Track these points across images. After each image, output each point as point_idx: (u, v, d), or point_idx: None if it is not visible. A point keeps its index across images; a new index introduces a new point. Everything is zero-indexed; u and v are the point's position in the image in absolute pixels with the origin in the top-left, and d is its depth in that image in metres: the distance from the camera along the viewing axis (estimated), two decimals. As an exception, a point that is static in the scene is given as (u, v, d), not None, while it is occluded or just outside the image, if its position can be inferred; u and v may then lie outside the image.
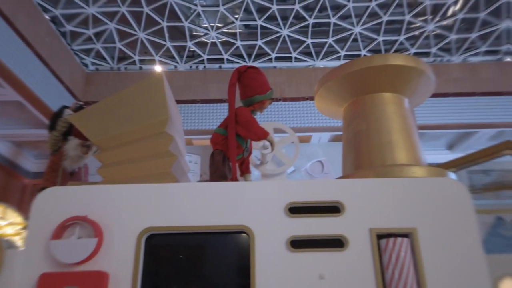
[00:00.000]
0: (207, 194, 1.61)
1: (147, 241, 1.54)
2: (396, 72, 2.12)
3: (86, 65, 8.83)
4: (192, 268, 1.55)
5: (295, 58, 8.97)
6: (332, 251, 1.49)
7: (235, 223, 1.55)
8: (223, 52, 8.77)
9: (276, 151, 3.04)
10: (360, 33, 8.39)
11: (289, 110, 8.57)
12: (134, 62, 8.87)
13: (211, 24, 8.28)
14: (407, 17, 8.04)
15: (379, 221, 1.53)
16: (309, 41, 8.52)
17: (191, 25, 8.20)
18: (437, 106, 8.22)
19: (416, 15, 8.12)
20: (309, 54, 8.92)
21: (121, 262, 1.48)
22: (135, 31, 8.14)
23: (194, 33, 8.57)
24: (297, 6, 7.79)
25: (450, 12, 8.08)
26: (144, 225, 1.54)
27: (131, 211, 1.57)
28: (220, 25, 8.35)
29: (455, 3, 7.84)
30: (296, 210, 1.56)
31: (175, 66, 9.05)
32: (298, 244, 1.51)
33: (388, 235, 1.49)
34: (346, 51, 8.73)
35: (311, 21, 8.09)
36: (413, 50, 8.63)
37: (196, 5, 7.79)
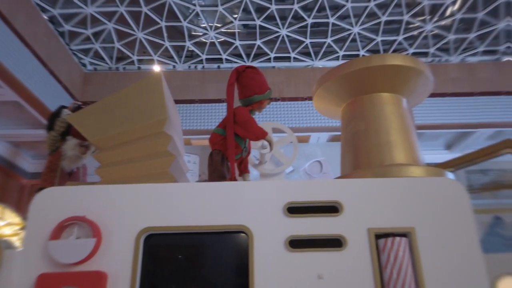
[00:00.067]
0: (205, 194, 1.61)
1: (145, 241, 1.54)
2: (394, 72, 2.13)
3: (84, 65, 8.81)
4: (191, 268, 1.55)
5: (294, 58, 8.97)
6: (330, 251, 1.49)
7: (233, 223, 1.55)
8: (221, 52, 8.77)
9: (275, 151, 3.05)
10: (359, 33, 8.41)
11: (287, 110, 8.58)
12: (132, 62, 8.86)
13: (209, 24, 8.28)
14: (406, 17, 8.06)
15: (378, 220, 1.54)
16: (307, 41, 8.52)
17: (189, 25, 8.20)
18: (435, 106, 8.24)
19: (415, 15, 8.13)
20: (307, 54, 8.93)
21: (120, 262, 1.48)
22: (134, 31, 8.13)
23: (193, 33, 8.56)
24: (295, 6, 7.80)
25: (448, 12, 8.10)
26: (143, 225, 1.54)
27: (129, 211, 1.57)
28: (219, 25, 8.35)
29: (454, 3, 7.86)
30: (294, 210, 1.57)
31: (174, 66, 9.05)
32: (297, 244, 1.51)
33: (386, 235, 1.49)
34: (344, 51, 8.73)
35: (309, 21, 8.10)
36: (411, 50, 8.65)
37: (194, 5, 7.78)
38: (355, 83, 2.20)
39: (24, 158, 8.95)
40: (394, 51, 8.66)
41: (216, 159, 2.00)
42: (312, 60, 8.97)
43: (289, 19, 8.11)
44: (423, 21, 8.20)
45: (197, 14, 8.10)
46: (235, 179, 1.93)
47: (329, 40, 8.47)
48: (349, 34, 8.39)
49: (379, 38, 8.48)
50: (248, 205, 1.58)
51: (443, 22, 8.22)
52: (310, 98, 8.23)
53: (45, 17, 7.38)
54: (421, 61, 2.18)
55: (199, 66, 9.14)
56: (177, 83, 8.62)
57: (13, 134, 7.84)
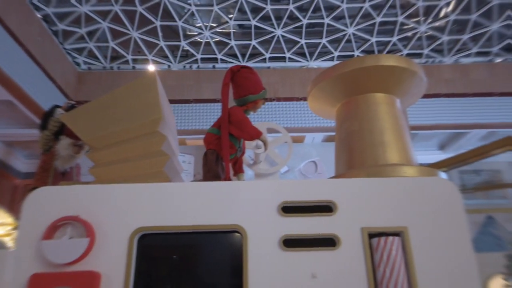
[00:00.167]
0: (200, 193, 1.61)
1: (139, 241, 1.53)
2: (388, 73, 2.14)
3: (78, 64, 8.76)
4: (185, 268, 1.55)
5: (289, 58, 8.99)
6: (324, 250, 1.50)
7: (228, 223, 1.55)
8: (217, 51, 8.76)
9: (269, 151, 3.05)
10: (354, 34, 8.44)
11: (282, 110, 8.60)
12: (127, 62, 8.82)
13: (205, 24, 8.27)
14: (400, 19, 8.11)
15: (371, 220, 1.55)
16: (303, 41, 8.54)
17: (184, 25, 8.18)
18: (429, 106, 8.31)
19: (409, 17, 8.18)
20: (303, 55, 8.95)
21: (113, 262, 1.48)
22: (128, 30, 8.09)
23: (188, 33, 8.54)
24: (291, 7, 7.81)
25: (442, 13, 8.16)
26: (137, 225, 1.53)
27: (123, 211, 1.57)
28: (214, 25, 8.34)
29: (447, 4, 7.93)
30: (289, 209, 1.57)
31: (169, 66, 9.02)
32: (291, 243, 1.51)
33: (379, 234, 1.50)
34: (339, 51, 8.77)
35: (305, 21, 8.12)
36: (405, 51, 8.70)
37: (190, 4, 7.76)
38: (349, 83, 2.21)
39: (17, 158, 8.88)
40: (389, 52, 8.71)
41: (210, 159, 1.99)
42: (307, 60, 8.99)
43: (284, 20, 8.12)
44: (417, 22, 8.26)
45: (192, 14, 8.08)
46: (229, 179, 1.93)
47: (324, 40, 8.50)
48: (344, 35, 8.43)
49: (373, 39, 8.52)
50: (242, 205, 1.59)
51: (437, 24, 8.28)
52: (305, 99, 8.24)
53: (39, 16, 7.32)
54: (414, 62, 2.20)
55: (194, 66, 9.12)
56: (172, 83, 8.60)
57: (6, 134, 7.78)
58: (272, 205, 1.58)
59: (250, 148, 2.84)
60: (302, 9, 8.03)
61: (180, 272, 1.53)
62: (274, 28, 8.28)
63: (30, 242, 1.49)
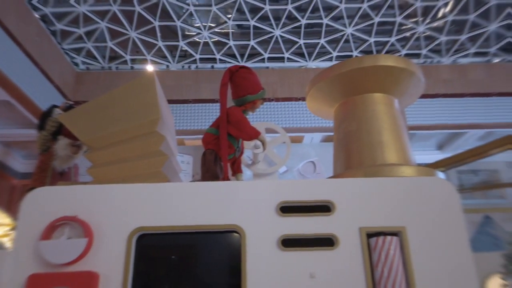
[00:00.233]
0: (198, 193, 1.61)
1: (137, 241, 1.53)
2: (386, 73, 2.15)
3: (76, 64, 8.74)
4: (183, 268, 1.55)
5: (288, 58, 8.99)
6: (322, 250, 1.51)
7: (226, 223, 1.55)
8: (215, 52, 8.76)
9: (268, 151, 3.05)
10: (352, 34, 8.45)
11: (281, 110, 8.60)
12: (125, 62, 8.80)
13: (203, 24, 8.26)
14: (398, 19, 8.12)
15: (369, 220, 1.55)
16: (301, 41, 8.54)
17: (183, 25, 8.17)
18: (427, 106, 8.32)
19: (407, 17, 8.20)
20: (301, 55, 8.95)
21: (112, 262, 1.48)
22: (127, 30, 8.08)
23: (187, 33, 8.53)
24: (289, 7, 7.81)
25: (440, 14, 8.18)
26: (135, 225, 1.53)
27: (121, 211, 1.56)
28: (213, 25, 8.33)
29: (446, 5, 7.94)
30: (287, 209, 1.57)
31: (167, 66, 9.01)
32: (289, 243, 1.52)
33: (377, 234, 1.51)
34: (338, 52, 8.77)
35: (303, 21, 8.12)
36: (404, 51, 8.72)
37: (188, 4, 7.76)
38: (347, 83, 2.21)
39: (15, 158, 8.85)
40: (387, 52, 8.72)
41: (209, 159, 2.00)
42: (306, 60, 8.99)
43: (283, 20, 8.12)
44: (416, 22, 8.27)
45: (190, 14, 8.07)
46: (228, 179, 1.93)
47: (322, 41, 8.50)
48: (343, 35, 8.43)
49: (372, 39, 8.53)
50: (241, 205, 1.59)
51: (435, 24, 8.30)
52: (303, 99, 8.26)
53: (37, 16, 7.30)
54: (413, 62, 2.21)
55: (193, 66, 9.11)
56: (170, 83, 8.59)
57: (3, 134, 7.75)
58: (270, 205, 1.58)
59: (248, 148, 2.84)
60: (301, 9, 8.04)
61: (178, 272, 1.53)
62: (273, 28, 8.29)
63: (28, 242, 1.49)
